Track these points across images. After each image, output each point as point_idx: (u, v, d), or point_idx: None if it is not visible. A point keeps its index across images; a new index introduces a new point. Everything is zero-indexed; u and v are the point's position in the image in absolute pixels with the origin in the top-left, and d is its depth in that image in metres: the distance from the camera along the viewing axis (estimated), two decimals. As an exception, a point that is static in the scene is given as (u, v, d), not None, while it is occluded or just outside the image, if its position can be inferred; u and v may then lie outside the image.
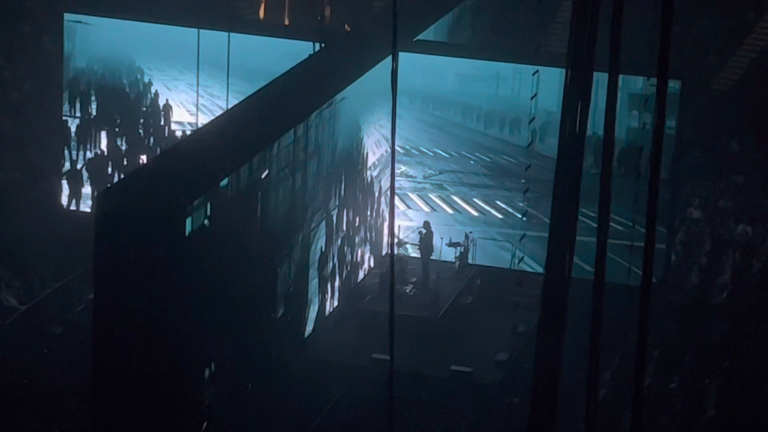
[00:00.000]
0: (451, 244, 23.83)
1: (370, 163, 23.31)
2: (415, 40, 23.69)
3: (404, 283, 22.87)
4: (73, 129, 25.03)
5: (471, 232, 23.95)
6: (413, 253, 23.67)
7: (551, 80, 22.02)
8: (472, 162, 24.41)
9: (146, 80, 25.23)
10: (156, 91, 25.22)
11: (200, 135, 19.78)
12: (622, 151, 22.41)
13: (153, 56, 25.05)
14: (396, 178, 23.70)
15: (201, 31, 23.97)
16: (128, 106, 25.25)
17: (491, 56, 24.27)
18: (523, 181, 22.54)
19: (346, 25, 27.84)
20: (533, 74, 21.77)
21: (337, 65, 22.09)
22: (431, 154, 24.50)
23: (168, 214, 16.25)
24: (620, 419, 18.19)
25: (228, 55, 23.31)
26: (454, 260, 23.77)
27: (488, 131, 24.47)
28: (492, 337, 21.62)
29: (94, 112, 25.18)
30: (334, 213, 21.54)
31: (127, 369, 16.00)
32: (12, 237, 22.98)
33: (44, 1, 27.99)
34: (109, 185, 23.12)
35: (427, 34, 24.59)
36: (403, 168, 24.31)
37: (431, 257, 23.59)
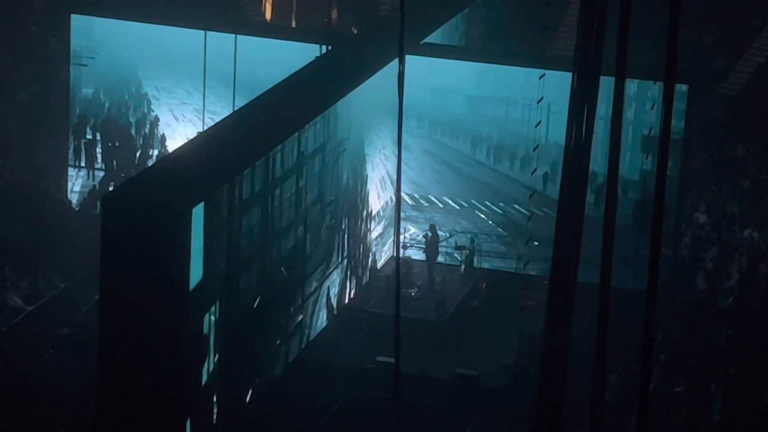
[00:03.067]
0: (457, 248, 23.83)
1: (374, 212, 23.11)
2: (421, 43, 23.66)
3: (409, 286, 22.85)
4: (77, 186, 24.78)
5: (475, 236, 23.94)
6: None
7: (562, 110, 21.46)
8: (483, 216, 23.99)
9: (153, 115, 24.94)
10: (163, 135, 24.98)
11: (206, 137, 19.77)
12: (637, 203, 22.05)
13: (160, 73, 24.84)
14: (403, 243, 23.46)
15: (207, 43, 23.77)
16: (134, 160, 25.03)
17: (498, 59, 24.18)
18: (537, 243, 22.00)
19: (352, 28, 27.84)
20: (540, 78, 21.65)
21: (343, 68, 22.06)
22: (441, 205, 23.94)
23: (174, 214, 16.24)
24: (626, 423, 18.17)
25: (234, 68, 23.18)
26: (459, 263, 23.76)
27: (497, 166, 24.09)
28: (497, 341, 21.60)
29: (99, 158, 24.87)
30: (336, 274, 21.33)
31: (133, 370, 16.00)
32: (18, 237, 23.00)
33: (51, 2, 28.01)
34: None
35: (434, 38, 24.54)
36: (412, 230, 23.58)
37: (437, 260, 23.58)
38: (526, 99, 23.08)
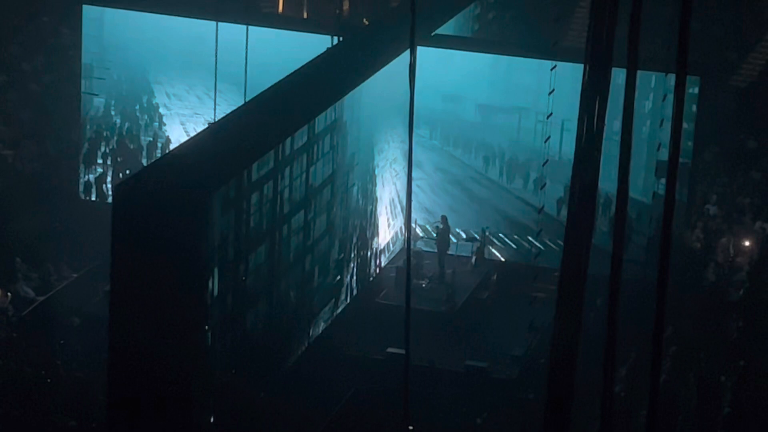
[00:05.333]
0: (468, 239, 23.79)
1: (383, 245, 22.97)
2: (433, 34, 23.61)
3: (420, 277, 22.84)
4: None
5: (488, 227, 23.91)
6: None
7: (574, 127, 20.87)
8: (496, 252, 23.72)
9: (164, 130, 24.74)
10: None
11: (218, 127, 19.76)
12: (651, 241, 21.92)
13: (171, 77, 24.65)
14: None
15: (219, 45, 23.55)
16: None
17: (509, 51, 24.10)
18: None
19: (363, 19, 27.82)
20: (551, 69, 21.56)
21: (354, 59, 22.02)
22: (453, 239, 23.55)
23: (186, 205, 16.25)
24: (636, 415, 18.16)
25: (246, 59, 23.00)
26: (470, 255, 23.73)
27: (511, 186, 23.86)
28: (508, 333, 21.58)
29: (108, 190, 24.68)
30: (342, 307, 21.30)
31: (144, 360, 16.03)
32: (29, 228, 23.03)
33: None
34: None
35: (446, 29, 24.48)
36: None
37: (447, 252, 23.55)
38: (539, 113, 22.91)
